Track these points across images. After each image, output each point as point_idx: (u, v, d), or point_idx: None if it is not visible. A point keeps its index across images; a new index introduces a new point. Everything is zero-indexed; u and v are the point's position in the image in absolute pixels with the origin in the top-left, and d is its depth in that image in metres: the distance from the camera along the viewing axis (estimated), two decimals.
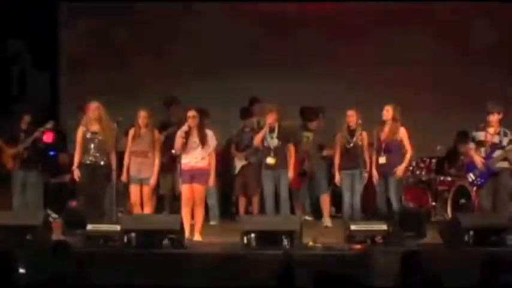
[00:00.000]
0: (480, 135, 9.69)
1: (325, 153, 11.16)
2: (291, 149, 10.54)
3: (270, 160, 10.39)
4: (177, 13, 13.46)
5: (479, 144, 9.69)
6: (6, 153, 10.65)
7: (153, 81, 13.22)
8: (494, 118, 9.61)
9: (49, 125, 10.70)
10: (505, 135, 9.64)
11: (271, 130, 10.48)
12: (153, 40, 13.42)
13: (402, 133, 10.13)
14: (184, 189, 9.64)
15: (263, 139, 10.49)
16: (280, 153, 10.43)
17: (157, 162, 9.86)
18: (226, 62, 13.23)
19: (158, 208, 10.93)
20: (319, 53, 13.22)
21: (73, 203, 9.39)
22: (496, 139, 9.62)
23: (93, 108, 9.98)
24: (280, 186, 10.41)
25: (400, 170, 10.07)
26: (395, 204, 10.00)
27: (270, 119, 10.40)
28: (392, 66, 13.22)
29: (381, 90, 12.57)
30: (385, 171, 10.06)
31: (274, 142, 10.45)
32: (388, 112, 10.10)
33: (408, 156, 10.17)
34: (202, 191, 9.67)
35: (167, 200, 11.28)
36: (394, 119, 10.09)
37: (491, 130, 9.63)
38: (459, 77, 13.21)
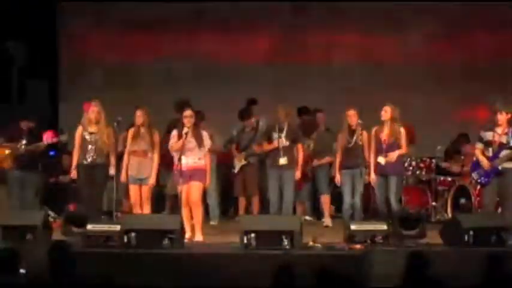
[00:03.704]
0: (488, 135, 9.64)
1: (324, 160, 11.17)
2: (300, 148, 10.55)
3: (283, 161, 10.40)
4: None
5: (487, 144, 9.65)
6: (6, 153, 10.59)
7: (154, 81, 13.26)
8: (502, 118, 9.57)
9: (64, 137, 10.57)
10: None
11: (280, 130, 10.50)
12: (154, 40, 13.46)
13: (402, 134, 10.13)
14: (184, 190, 9.63)
15: (271, 138, 10.49)
16: (289, 152, 10.44)
17: (156, 162, 9.85)
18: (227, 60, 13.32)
19: (158, 208, 10.93)
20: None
21: (71, 206, 9.35)
22: (504, 139, 9.57)
23: (93, 108, 9.97)
24: (285, 185, 10.42)
25: (391, 155, 10.02)
26: (394, 205, 9.99)
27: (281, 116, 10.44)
28: (392, 66, 13.26)
29: (380, 91, 12.61)
30: (386, 171, 10.05)
31: (282, 142, 10.46)
32: (386, 113, 10.08)
33: (402, 151, 10.14)
34: (198, 190, 9.61)
35: (168, 199, 11.28)
36: (393, 119, 10.09)
37: (499, 130, 9.60)
38: (459, 77, 13.25)
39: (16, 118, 10.71)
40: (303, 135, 11.27)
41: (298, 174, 10.47)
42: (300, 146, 10.57)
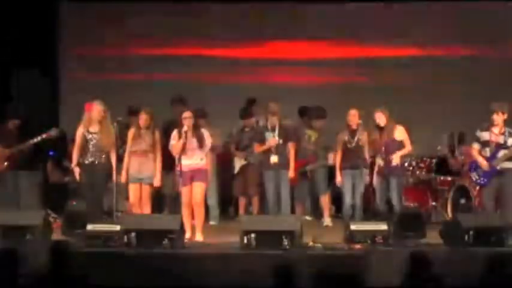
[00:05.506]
0: (485, 135, 9.64)
1: (330, 161, 11.10)
2: (292, 147, 10.54)
3: (274, 159, 10.41)
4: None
5: (484, 144, 9.65)
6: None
7: (154, 80, 13.27)
8: (499, 118, 9.57)
9: (53, 132, 10.55)
10: (510, 135, 9.58)
11: (272, 129, 10.51)
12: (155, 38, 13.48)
13: (401, 132, 10.13)
14: (185, 191, 9.62)
15: (264, 139, 10.50)
16: (281, 152, 10.44)
17: (159, 162, 9.84)
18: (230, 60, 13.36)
19: (158, 208, 10.92)
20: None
21: (73, 202, 9.40)
22: (501, 139, 9.57)
23: (97, 107, 9.96)
24: (281, 185, 10.42)
25: (396, 156, 10.04)
26: (397, 205, 9.98)
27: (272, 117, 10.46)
28: (392, 66, 13.28)
29: (380, 91, 12.63)
30: (387, 172, 10.05)
31: (276, 140, 10.46)
32: (380, 119, 10.11)
33: (406, 150, 10.16)
34: (201, 190, 9.63)
35: (168, 199, 11.28)
36: (388, 121, 10.11)
37: (496, 130, 9.60)
38: (459, 77, 13.27)
39: (16, 117, 10.70)
40: (308, 121, 11.32)
41: (291, 174, 10.45)
42: (292, 145, 10.56)
